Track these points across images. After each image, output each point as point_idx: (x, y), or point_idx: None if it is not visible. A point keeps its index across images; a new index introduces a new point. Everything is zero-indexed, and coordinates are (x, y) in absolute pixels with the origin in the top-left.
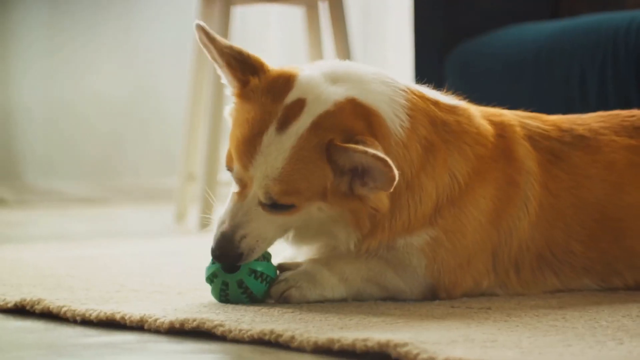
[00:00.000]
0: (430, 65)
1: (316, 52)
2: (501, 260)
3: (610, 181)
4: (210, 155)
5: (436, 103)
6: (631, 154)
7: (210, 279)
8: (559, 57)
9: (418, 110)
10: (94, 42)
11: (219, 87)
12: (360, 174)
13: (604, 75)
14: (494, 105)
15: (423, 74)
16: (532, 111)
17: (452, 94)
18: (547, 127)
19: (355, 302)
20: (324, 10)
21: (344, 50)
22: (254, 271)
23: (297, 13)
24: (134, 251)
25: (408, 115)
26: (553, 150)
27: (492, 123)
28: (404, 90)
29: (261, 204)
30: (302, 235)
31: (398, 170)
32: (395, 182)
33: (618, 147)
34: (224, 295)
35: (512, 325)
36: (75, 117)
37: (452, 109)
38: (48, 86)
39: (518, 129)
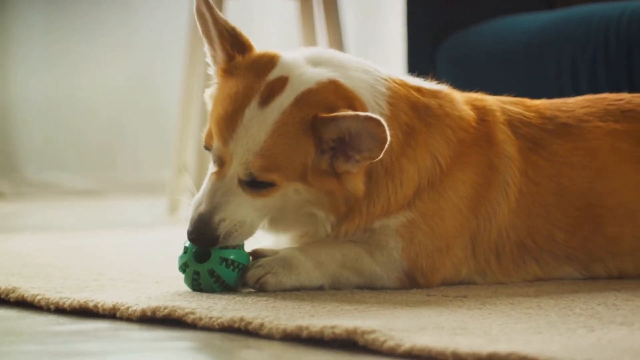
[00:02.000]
0: (422, 56)
1: (310, 46)
2: (480, 246)
3: (592, 168)
4: (202, 147)
5: (418, 89)
6: (615, 140)
7: (183, 268)
8: (551, 48)
9: (399, 97)
10: (91, 34)
11: (211, 79)
12: (344, 147)
13: (595, 65)
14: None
15: (415, 65)
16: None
17: (444, 84)
18: (528, 114)
19: (331, 290)
20: (317, 4)
21: (337, 44)
22: (225, 259)
23: (291, 7)
24: (121, 242)
25: (388, 103)
26: (533, 138)
27: (474, 107)
28: (385, 79)
29: (240, 182)
30: (278, 222)
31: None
32: (387, 145)
33: (602, 133)
34: (197, 285)
35: (485, 313)
36: (73, 110)
37: (434, 93)
38: (46, 79)
39: (499, 114)
